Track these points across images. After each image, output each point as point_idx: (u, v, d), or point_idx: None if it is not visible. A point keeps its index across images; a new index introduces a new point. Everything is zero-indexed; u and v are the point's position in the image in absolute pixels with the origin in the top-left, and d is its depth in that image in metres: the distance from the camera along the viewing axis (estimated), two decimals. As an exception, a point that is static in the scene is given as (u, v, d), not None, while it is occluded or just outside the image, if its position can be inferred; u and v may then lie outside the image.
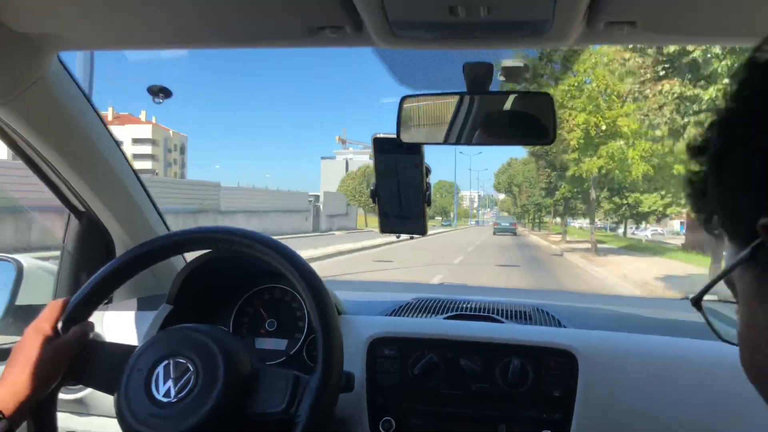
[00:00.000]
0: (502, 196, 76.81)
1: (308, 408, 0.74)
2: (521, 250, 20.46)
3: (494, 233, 34.13)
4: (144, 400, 0.76)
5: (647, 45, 8.11)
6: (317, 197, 35.52)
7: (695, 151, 0.41)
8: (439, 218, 72.98)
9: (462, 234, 35.60)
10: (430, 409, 1.00)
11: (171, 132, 64.12)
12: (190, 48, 0.91)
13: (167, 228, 1.27)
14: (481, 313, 1.17)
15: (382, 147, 0.94)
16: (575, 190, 22.39)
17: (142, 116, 61.58)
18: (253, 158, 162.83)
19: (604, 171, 15.29)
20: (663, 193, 21.67)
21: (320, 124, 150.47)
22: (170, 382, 0.76)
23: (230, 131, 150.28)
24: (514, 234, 34.13)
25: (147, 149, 59.33)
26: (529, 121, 0.83)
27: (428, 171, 0.96)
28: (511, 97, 0.83)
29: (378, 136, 0.93)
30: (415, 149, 0.92)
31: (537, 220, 49.51)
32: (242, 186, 35.29)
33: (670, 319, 1.27)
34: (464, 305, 1.22)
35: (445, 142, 0.87)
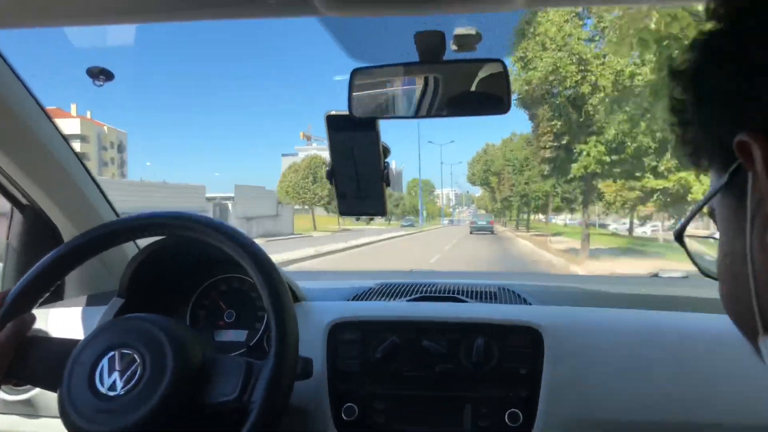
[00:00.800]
0: (479, 193, 75.67)
1: (262, 394, 0.76)
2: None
3: (471, 232, 34.32)
4: (88, 396, 0.77)
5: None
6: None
7: (677, 74, 0.42)
8: (411, 217, 68.96)
9: (425, 239, 26.99)
10: (393, 392, 1.04)
11: (106, 127, 62.26)
12: (120, 21, 0.88)
13: (117, 217, 1.28)
14: (445, 294, 1.23)
15: (335, 124, 0.97)
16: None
17: (73, 110, 59.66)
18: (206, 156, 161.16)
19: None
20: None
21: (284, 121, 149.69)
22: (116, 375, 0.77)
23: (182, 129, 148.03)
24: (492, 233, 34.17)
25: (75, 147, 57.36)
26: (483, 90, 0.87)
27: (387, 151, 1.00)
28: (464, 66, 0.88)
29: (331, 113, 0.97)
30: (370, 125, 0.96)
31: (523, 219, 43.60)
32: (144, 181, 32.61)
33: (637, 294, 1.36)
34: (428, 288, 1.28)
35: (399, 115, 0.92)
